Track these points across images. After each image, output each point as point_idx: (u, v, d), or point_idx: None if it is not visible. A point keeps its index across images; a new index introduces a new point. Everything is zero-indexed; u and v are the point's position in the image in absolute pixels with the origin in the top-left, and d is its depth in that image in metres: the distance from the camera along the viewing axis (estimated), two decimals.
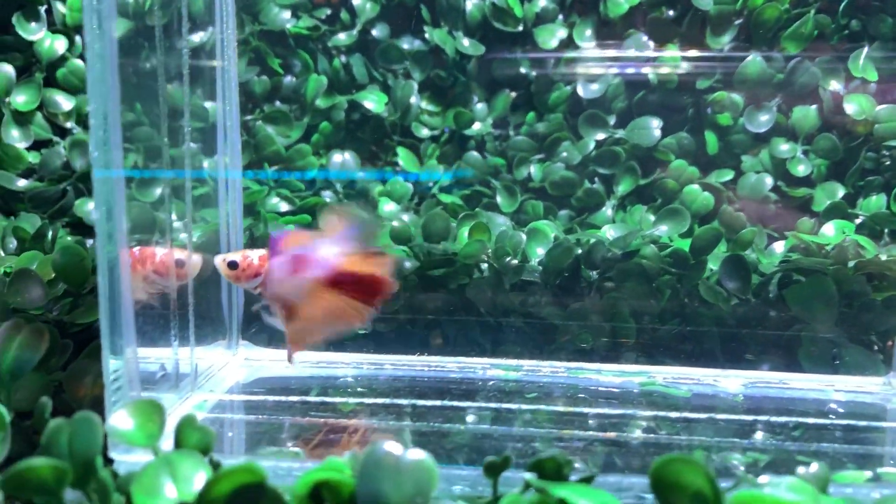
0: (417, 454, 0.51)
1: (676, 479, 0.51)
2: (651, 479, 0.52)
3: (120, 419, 0.60)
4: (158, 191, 0.88)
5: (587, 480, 0.55)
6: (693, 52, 1.22)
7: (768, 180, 1.19)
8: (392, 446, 0.51)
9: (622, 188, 1.24)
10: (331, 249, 0.66)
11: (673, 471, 0.51)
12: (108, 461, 0.65)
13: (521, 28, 1.26)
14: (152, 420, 0.61)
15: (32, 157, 1.26)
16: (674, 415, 0.75)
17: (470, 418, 0.74)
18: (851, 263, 0.98)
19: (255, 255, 0.75)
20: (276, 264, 0.68)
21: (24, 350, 0.64)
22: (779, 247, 1.14)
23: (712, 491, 0.50)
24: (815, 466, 0.58)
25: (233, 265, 0.76)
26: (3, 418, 0.58)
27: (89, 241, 1.22)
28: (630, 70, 1.24)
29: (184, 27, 0.88)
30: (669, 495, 0.52)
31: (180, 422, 0.59)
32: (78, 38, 1.29)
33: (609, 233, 1.12)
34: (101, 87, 0.64)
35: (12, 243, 1.12)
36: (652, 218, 1.21)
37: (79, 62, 1.29)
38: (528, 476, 0.53)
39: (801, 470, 0.58)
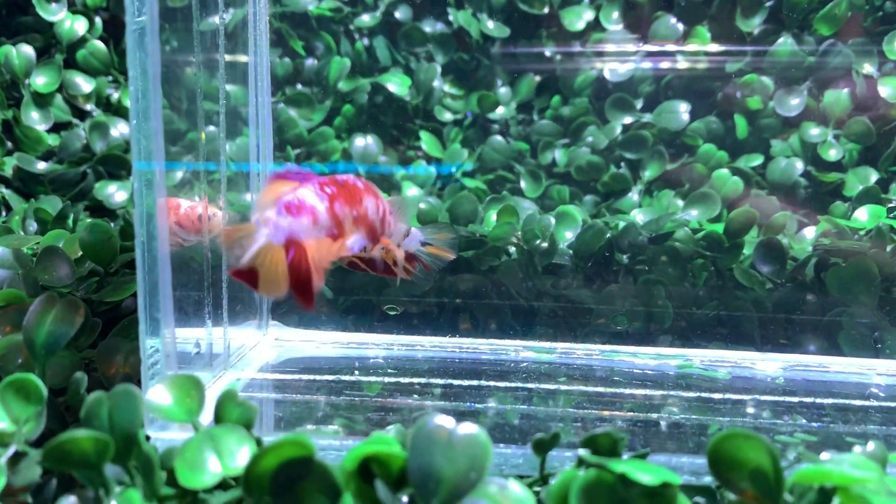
0: (470, 428, 0.49)
1: (736, 454, 0.50)
2: (709, 456, 0.51)
3: (158, 394, 0.59)
4: (180, 174, 0.87)
5: (641, 457, 0.53)
6: (722, 35, 1.20)
7: (799, 165, 1.18)
8: (443, 420, 0.50)
9: (649, 173, 1.23)
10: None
11: (732, 446, 0.50)
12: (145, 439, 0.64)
13: (546, 10, 1.25)
14: (191, 395, 0.59)
15: (52, 140, 1.24)
16: (716, 396, 0.73)
17: (507, 399, 0.73)
18: (889, 248, 0.96)
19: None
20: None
21: (59, 324, 0.63)
22: (809, 232, 1.12)
23: (773, 467, 0.49)
24: (871, 445, 0.56)
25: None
26: (41, 391, 0.57)
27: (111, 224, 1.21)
28: (658, 53, 1.22)
29: (220, 6, 0.86)
30: (727, 472, 0.50)
31: (221, 396, 0.58)
32: (98, 20, 1.28)
33: (639, 217, 1.11)
34: (140, 63, 0.63)
35: (33, 226, 1.11)
36: (679, 203, 1.19)
37: (99, 44, 1.27)
38: (583, 452, 0.52)
39: (857, 449, 0.56)
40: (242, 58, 0.96)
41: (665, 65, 1.23)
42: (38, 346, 0.62)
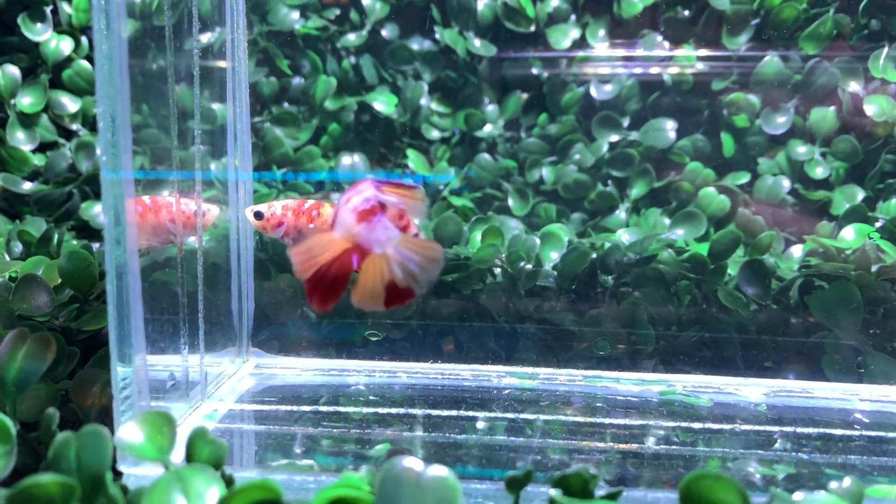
0: (439, 470, 0.49)
1: (707, 495, 0.49)
2: (680, 495, 0.50)
3: (129, 431, 0.58)
4: (166, 193, 0.87)
5: (613, 497, 0.53)
6: (709, 53, 1.20)
7: (785, 183, 1.17)
8: (412, 462, 0.49)
9: (636, 191, 1.22)
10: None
11: (703, 487, 0.49)
12: (117, 474, 0.64)
13: (533, 28, 1.25)
14: (162, 432, 0.59)
15: (38, 160, 1.24)
16: (696, 425, 0.73)
17: (486, 429, 0.72)
18: (874, 268, 0.96)
19: (279, 206, 0.81)
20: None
21: (30, 360, 0.62)
22: (797, 251, 1.12)
23: None
24: (847, 481, 0.56)
25: (258, 215, 0.81)
26: (9, 431, 0.56)
27: (95, 245, 1.20)
28: (644, 71, 1.22)
29: (194, 27, 0.86)
30: None
31: (192, 434, 0.57)
32: (84, 39, 1.28)
33: (624, 237, 1.10)
34: (109, 89, 0.62)
35: (18, 247, 1.10)
36: (667, 221, 1.19)
37: (85, 63, 1.27)
38: (554, 493, 0.51)
39: (833, 485, 0.55)
40: (221, 64, 0.96)
41: (652, 82, 1.23)
42: (8, 384, 0.62)
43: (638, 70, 1.23)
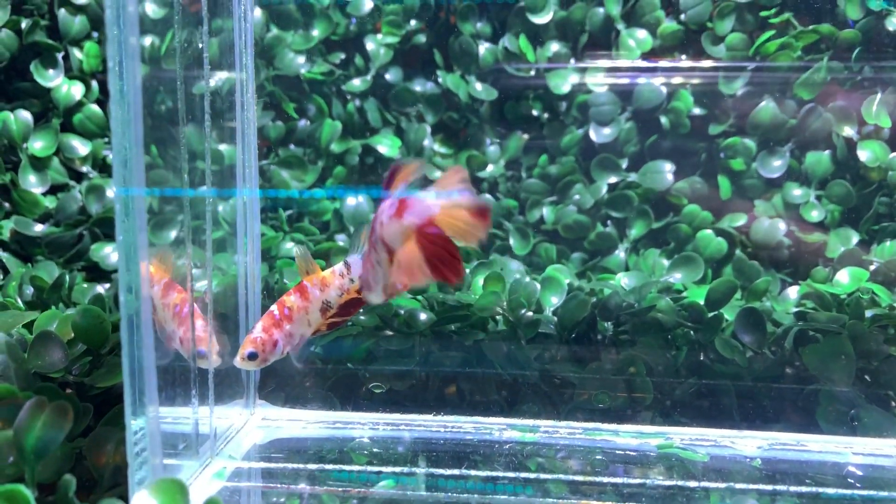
0: None
1: None
2: None
3: (143, 501, 0.61)
4: (174, 233, 0.89)
5: None
6: (705, 97, 1.23)
7: (782, 225, 1.20)
8: None
9: (635, 232, 1.25)
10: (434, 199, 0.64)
11: None
12: None
13: (533, 73, 1.27)
14: (176, 500, 0.61)
15: (49, 202, 1.27)
16: (692, 484, 0.75)
17: (488, 487, 0.74)
18: (869, 314, 0.98)
19: (258, 330, 0.78)
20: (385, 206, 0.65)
21: (49, 429, 0.64)
22: (793, 292, 1.14)
23: None
24: None
25: (252, 356, 0.77)
26: (28, 501, 0.58)
27: (105, 285, 1.23)
28: (642, 113, 1.25)
29: (205, 70, 0.88)
30: None
31: None
32: (94, 84, 1.30)
33: (623, 281, 1.12)
34: (124, 133, 0.64)
35: (29, 289, 1.13)
36: (665, 262, 1.21)
37: (95, 107, 1.30)
38: None
39: None
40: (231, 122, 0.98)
41: (650, 125, 1.25)
42: (27, 452, 0.64)
43: (637, 112, 1.25)
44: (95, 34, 1.31)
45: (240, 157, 1.01)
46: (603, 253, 1.26)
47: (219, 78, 0.97)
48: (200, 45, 0.87)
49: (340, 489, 0.73)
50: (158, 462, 0.69)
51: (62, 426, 0.64)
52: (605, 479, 0.75)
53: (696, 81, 1.23)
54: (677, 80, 1.23)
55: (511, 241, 1.26)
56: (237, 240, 1.01)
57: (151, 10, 0.78)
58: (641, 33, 1.23)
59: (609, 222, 1.27)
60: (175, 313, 0.76)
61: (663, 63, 1.23)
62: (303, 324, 0.77)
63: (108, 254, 1.25)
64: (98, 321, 0.84)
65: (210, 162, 0.89)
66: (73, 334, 0.88)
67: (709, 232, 1.21)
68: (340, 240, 1.26)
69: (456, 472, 0.76)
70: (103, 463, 0.74)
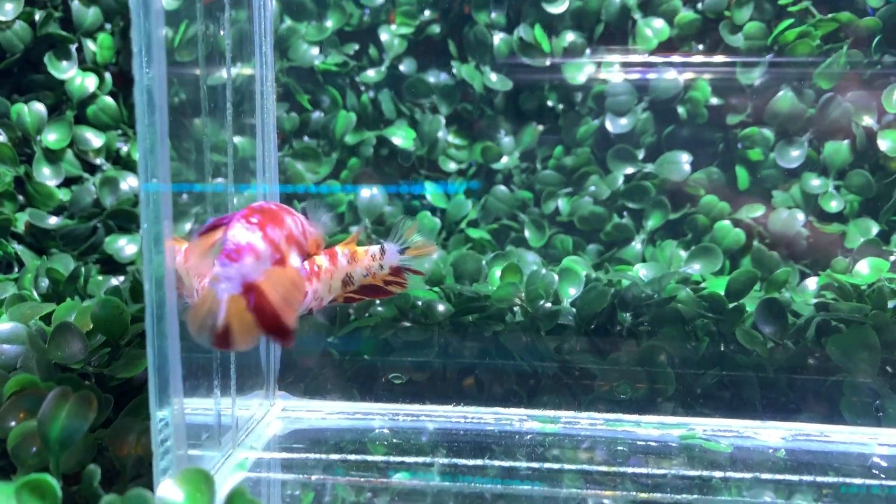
0: None
1: None
2: None
3: (168, 490, 0.60)
4: (188, 225, 0.89)
5: None
6: (723, 87, 1.22)
7: (800, 216, 1.19)
8: None
9: (652, 223, 1.24)
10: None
11: None
12: None
13: (548, 63, 1.26)
14: (201, 490, 0.61)
15: (63, 195, 1.27)
16: (717, 474, 0.74)
17: (511, 479, 0.74)
18: (891, 304, 0.97)
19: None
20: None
21: (73, 419, 0.64)
22: (811, 283, 1.13)
23: None
24: None
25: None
26: (55, 492, 0.58)
27: (120, 278, 1.23)
28: (658, 104, 1.24)
29: (227, 62, 0.88)
30: None
31: (231, 495, 0.59)
32: (108, 76, 1.30)
33: (641, 272, 1.12)
34: (149, 124, 0.63)
35: (44, 282, 1.12)
36: (682, 253, 1.20)
37: (109, 99, 1.30)
38: None
39: None
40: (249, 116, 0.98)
41: (667, 115, 1.24)
42: (52, 441, 0.64)
43: (653, 103, 1.24)
44: (109, 25, 1.30)
45: (259, 149, 1.01)
46: (619, 244, 1.25)
47: (236, 71, 0.96)
48: (221, 34, 0.87)
49: (361, 479, 0.73)
50: (183, 453, 0.69)
51: (86, 416, 0.64)
52: (628, 470, 0.75)
53: (713, 71, 1.22)
54: (694, 70, 1.22)
55: (526, 233, 1.26)
56: None
57: (165, 1, 0.78)
58: (658, 23, 1.22)
59: (625, 213, 1.26)
60: (196, 271, 0.76)
61: (680, 53, 1.22)
62: (325, 287, 0.77)
63: (123, 246, 1.25)
64: (117, 312, 0.84)
65: (231, 154, 0.89)
66: (91, 326, 0.87)
67: (726, 223, 1.20)
68: (354, 231, 1.26)
69: (478, 462, 0.75)
70: (125, 454, 0.74)
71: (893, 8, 1.14)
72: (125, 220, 1.26)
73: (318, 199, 0.80)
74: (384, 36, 1.27)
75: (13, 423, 0.70)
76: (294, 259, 0.65)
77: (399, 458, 0.76)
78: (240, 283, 0.60)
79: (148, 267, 0.63)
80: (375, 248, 0.78)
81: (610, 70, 1.24)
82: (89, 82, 1.27)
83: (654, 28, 1.22)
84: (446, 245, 1.26)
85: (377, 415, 0.87)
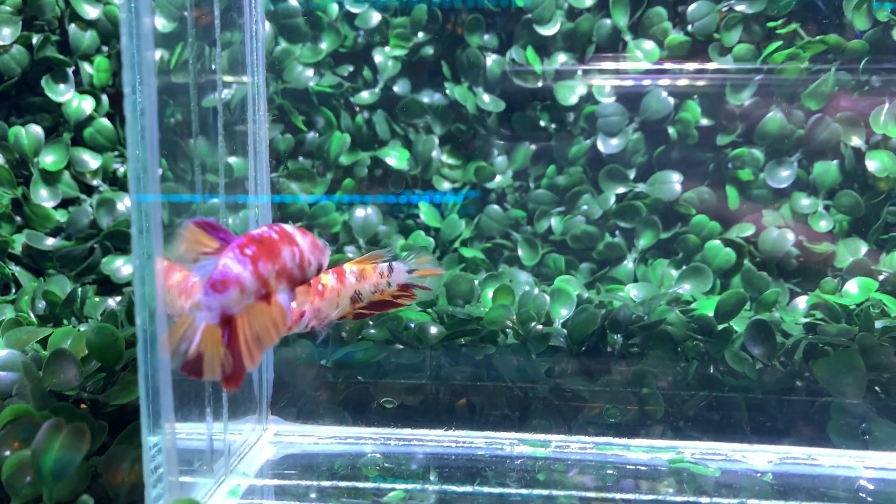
0: None
1: None
2: None
3: None
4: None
5: None
6: (713, 107, 1.23)
7: (790, 235, 1.20)
8: None
9: (643, 242, 1.25)
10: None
11: None
12: None
13: (540, 84, 1.27)
14: None
15: (60, 216, 1.28)
16: (704, 500, 0.75)
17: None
18: (878, 325, 0.98)
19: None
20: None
21: (67, 451, 0.65)
22: (801, 302, 1.14)
23: None
24: None
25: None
26: None
27: (117, 298, 1.24)
28: (649, 124, 1.25)
29: (218, 83, 0.89)
30: None
31: None
32: (105, 98, 1.31)
33: (633, 292, 1.13)
34: (139, 145, 0.63)
35: (41, 304, 1.14)
36: (674, 272, 1.21)
37: (105, 121, 1.31)
38: None
39: None
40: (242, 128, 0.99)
41: (657, 136, 1.25)
42: (45, 473, 0.65)
43: (644, 123, 1.25)
44: (105, 48, 1.32)
45: (252, 169, 1.02)
46: (611, 263, 1.26)
47: (229, 91, 0.97)
48: (212, 59, 0.88)
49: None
50: (175, 479, 0.69)
51: (80, 448, 0.65)
52: (617, 496, 0.76)
53: (703, 92, 1.23)
54: (685, 90, 1.23)
55: (519, 252, 1.27)
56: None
57: (161, 24, 0.79)
58: (649, 44, 1.23)
59: (617, 233, 1.27)
60: (181, 289, 0.77)
61: (670, 74, 1.23)
62: (332, 305, 0.79)
63: (119, 267, 1.26)
64: (112, 339, 0.85)
65: (223, 174, 0.90)
66: (87, 351, 0.88)
67: (717, 242, 1.21)
68: (349, 251, 1.27)
69: (468, 488, 0.76)
70: (119, 481, 0.75)
71: (880, 31, 1.15)
72: (122, 240, 1.27)
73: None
74: (378, 57, 1.29)
75: (8, 453, 0.71)
76: (282, 295, 0.66)
77: (390, 485, 0.77)
78: (219, 313, 0.62)
79: (139, 291, 0.64)
80: (384, 266, 0.81)
81: (601, 91, 1.26)
82: (86, 105, 1.28)
83: (645, 50, 1.23)
84: (440, 264, 1.27)
85: (369, 439, 0.88)
